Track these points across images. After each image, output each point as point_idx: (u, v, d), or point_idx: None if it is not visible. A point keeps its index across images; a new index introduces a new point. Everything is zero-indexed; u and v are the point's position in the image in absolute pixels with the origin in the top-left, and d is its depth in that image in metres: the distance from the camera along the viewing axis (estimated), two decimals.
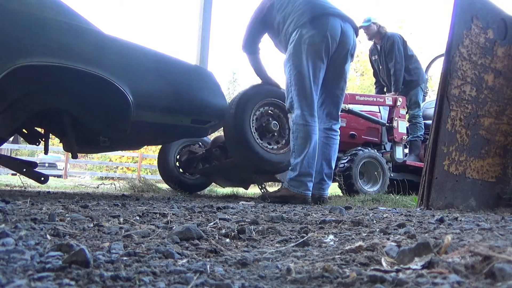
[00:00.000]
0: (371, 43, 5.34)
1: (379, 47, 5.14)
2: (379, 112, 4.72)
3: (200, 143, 4.17)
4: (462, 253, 0.71)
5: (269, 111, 3.11)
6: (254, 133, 2.93)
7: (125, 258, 0.76)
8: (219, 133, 4.42)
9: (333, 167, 2.84)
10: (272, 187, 4.99)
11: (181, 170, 4.04)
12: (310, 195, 2.61)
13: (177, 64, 2.66)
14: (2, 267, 0.62)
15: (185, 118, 2.66)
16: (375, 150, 4.23)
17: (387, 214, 1.79)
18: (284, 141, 3.12)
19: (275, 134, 3.08)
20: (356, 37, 2.82)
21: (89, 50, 2.18)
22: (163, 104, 2.50)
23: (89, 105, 2.41)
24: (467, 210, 2.15)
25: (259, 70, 3.15)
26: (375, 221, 1.47)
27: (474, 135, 2.27)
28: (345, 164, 3.91)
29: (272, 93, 3.08)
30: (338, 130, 2.87)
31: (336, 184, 4.12)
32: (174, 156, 4.03)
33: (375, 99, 4.62)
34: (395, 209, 2.21)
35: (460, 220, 1.49)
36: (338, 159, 3.97)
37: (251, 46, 3.07)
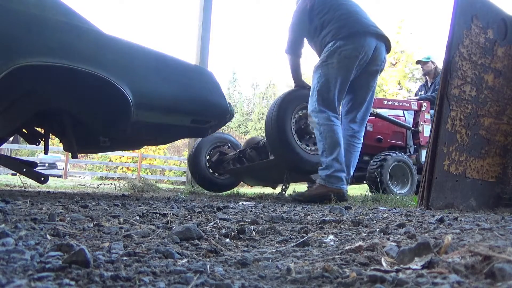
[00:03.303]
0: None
1: (429, 84, 5.49)
2: (404, 116, 4.97)
3: (229, 144, 4.36)
4: (462, 253, 0.71)
5: (306, 115, 3.20)
6: (294, 135, 3.05)
7: (125, 258, 0.76)
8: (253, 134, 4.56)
9: (352, 173, 2.93)
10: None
11: (210, 170, 4.20)
12: (347, 189, 2.69)
13: (177, 64, 2.66)
14: (2, 267, 0.62)
15: (185, 118, 2.66)
16: (403, 154, 4.48)
17: (387, 214, 1.79)
18: None
19: (312, 136, 3.19)
20: (388, 53, 2.92)
21: (89, 50, 2.18)
22: (163, 104, 2.50)
23: (89, 105, 2.41)
24: (467, 210, 2.14)
25: (296, 73, 3.20)
26: (375, 221, 1.47)
27: (474, 135, 2.27)
28: (376, 167, 4.13)
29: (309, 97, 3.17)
30: (361, 139, 2.95)
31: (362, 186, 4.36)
32: (205, 157, 4.19)
33: (401, 104, 4.90)
34: (395, 209, 2.21)
35: (460, 220, 1.49)
36: (367, 162, 4.36)
37: (296, 49, 3.09)
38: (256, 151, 3.73)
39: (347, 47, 2.69)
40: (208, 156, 4.23)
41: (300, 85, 3.24)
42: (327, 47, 2.77)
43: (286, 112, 3.03)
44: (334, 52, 2.71)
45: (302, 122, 3.19)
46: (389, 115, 4.70)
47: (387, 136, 4.72)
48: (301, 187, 5.83)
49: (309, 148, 3.12)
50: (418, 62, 5.68)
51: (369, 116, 4.40)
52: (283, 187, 3.35)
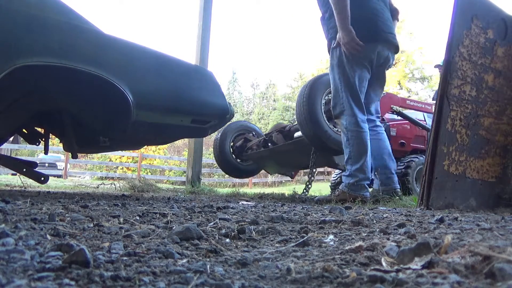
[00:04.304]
0: None
1: None
2: (424, 119, 5.06)
3: (254, 133, 4.54)
4: (462, 253, 0.71)
5: None
6: (324, 114, 3.19)
7: (125, 258, 0.76)
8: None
9: (394, 159, 2.96)
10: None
11: (234, 156, 4.38)
12: (369, 195, 2.72)
13: (177, 64, 2.66)
14: (2, 267, 0.62)
15: (185, 118, 2.66)
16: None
17: (387, 214, 1.79)
18: None
19: None
20: (396, 53, 2.91)
21: (89, 50, 2.18)
22: (163, 104, 2.50)
23: (89, 105, 2.41)
24: (467, 210, 2.14)
25: (345, 15, 2.57)
26: (375, 221, 1.47)
27: (474, 135, 2.27)
28: (402, 170, 4.39)
29: None
30: (381, 124, 2.99)
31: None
32: (229, 143, 4.36)
33: (423, 106, 5.02)
34: (395, 209, 2.21)
35: (460, 220, 1.49)
36: None
37: None
38: (282, 135, 3.87)
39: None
40: (232, 143, 4.39)
41: (348, 31, 2.59)
42: (333, 41, 2.75)
43: (317, 92, 3.19)
44: (343, 51, 2.68)
45: (331, 104, 3.26)
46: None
47: (410, 140, 4.86)
48: (317, 187, 5.83)
49: (336, 129, 3.22)
50: (436, 66, 6.02)
51: (391, 113, 4.55)
52: (306, 185, 3.44)
